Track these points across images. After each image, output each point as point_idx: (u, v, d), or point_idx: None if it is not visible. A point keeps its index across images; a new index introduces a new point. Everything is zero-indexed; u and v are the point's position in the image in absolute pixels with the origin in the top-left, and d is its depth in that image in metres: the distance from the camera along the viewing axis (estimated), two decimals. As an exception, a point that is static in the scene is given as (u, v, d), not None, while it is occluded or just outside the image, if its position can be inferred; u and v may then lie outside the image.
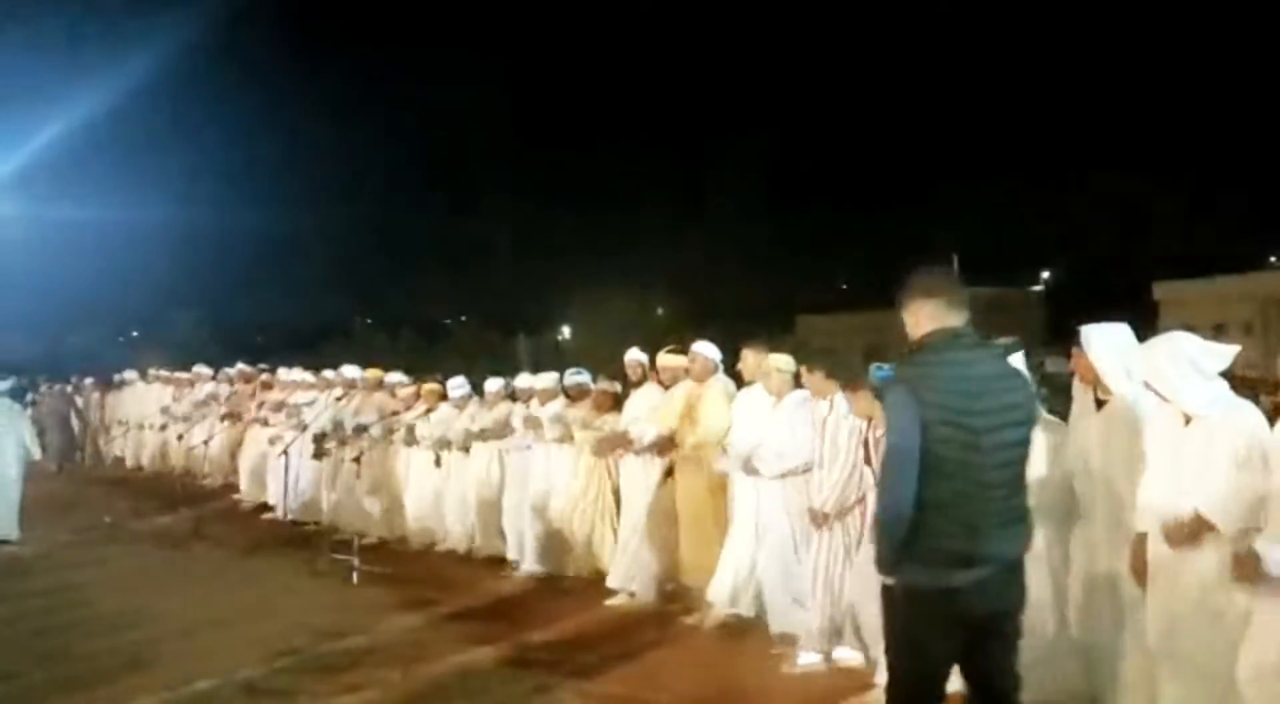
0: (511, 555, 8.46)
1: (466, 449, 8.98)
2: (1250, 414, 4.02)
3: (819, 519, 5.65)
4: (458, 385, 9.48)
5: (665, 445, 6.91)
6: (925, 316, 3.35)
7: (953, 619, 3.20)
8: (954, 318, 3.33)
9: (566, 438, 7.97)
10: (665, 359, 7.25)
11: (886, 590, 3.34)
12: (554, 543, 8.06)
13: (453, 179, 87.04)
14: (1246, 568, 3.63)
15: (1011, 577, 3.31)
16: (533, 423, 8.19)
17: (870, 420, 5.56)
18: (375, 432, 9.82)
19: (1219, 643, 3.87)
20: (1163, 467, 4.18)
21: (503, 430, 8.61)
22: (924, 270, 3.45)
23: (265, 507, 11.77)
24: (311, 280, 62.78)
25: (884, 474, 3.30)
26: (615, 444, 7.28)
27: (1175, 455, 4.11)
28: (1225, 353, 4.09)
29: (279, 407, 11.94)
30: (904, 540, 3.16)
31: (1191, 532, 3.94)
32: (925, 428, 3.13)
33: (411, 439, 9.57)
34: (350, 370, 11.28)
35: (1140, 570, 4.24)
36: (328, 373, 11.75)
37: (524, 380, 8.83)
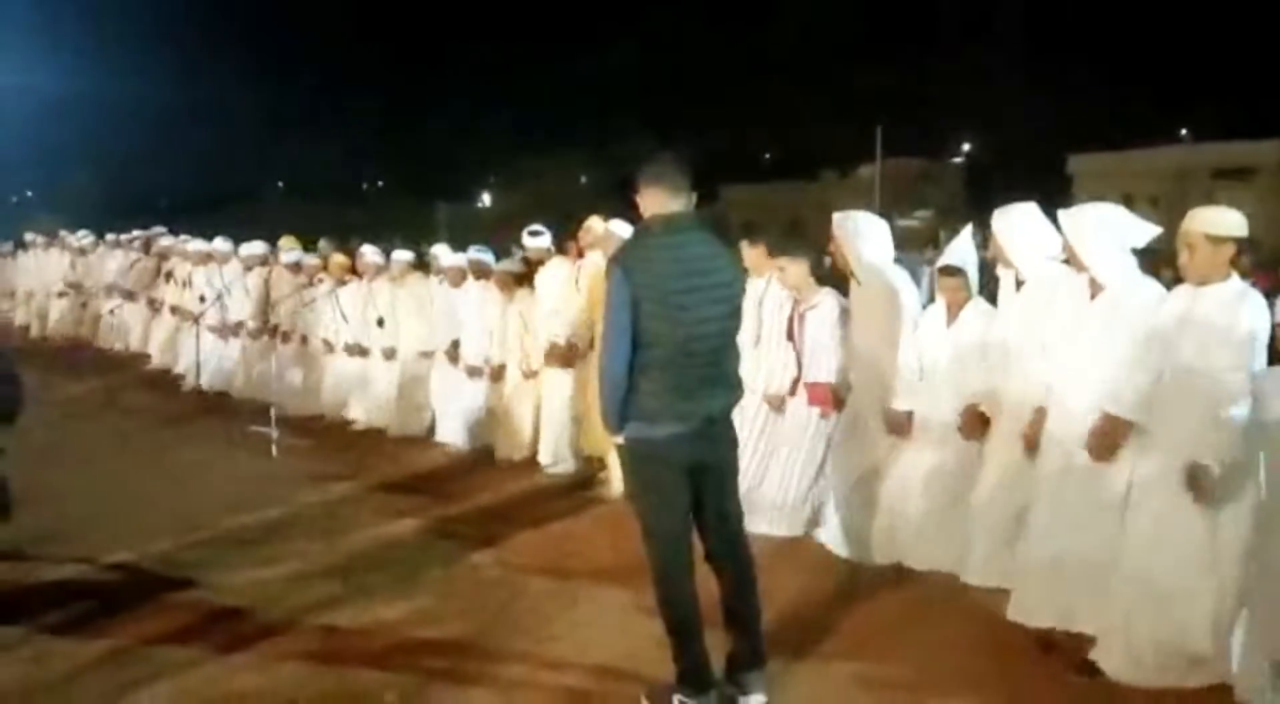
0: (437, 432, 8.46)
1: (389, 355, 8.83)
2: (1151, 291, 4.14)
3: (776, 404, 5.74)
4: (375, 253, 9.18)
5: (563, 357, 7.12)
6: (651, 201, 3.71)
7: (668, 463, 3.67)
8: (675, 203, 3.68)
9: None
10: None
11: (619, 449, 3.82)
12: (479, 419, 8.09)
13: (364, 41, 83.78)
14: (1202, 487, 3.73)
15: (714, 429, 3.76)
16: (475, 371, 8.04)
17: (798, 293, 5.64)
18: (284, 316, 9.54)
19: (1105, 519, 4.09)
20: (1066, 341, 4.31)
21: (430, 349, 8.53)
22: (655, 158, 3.76)
23: (180, 376, 11.54)
24: (218, 146, 60.55)
25: (603, 345, 3.67)
26: (565, 359, 7.21)
27: (1078, 329, 4.25)
28: (1148, 230, 4.23)
29: (184, 284, 11.62)
30: (623, 401, 3.61)
31: (1111, 437, 4.06)
32: (636, 304, 3.53)
33: (330, 347, 9.35)
34: (256, 245, 10.78)
35: (1032, 441, 4.44)
36: (219, 245, 11.17)
37: (442, 256, 8.63)
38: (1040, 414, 4.41)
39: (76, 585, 5.20)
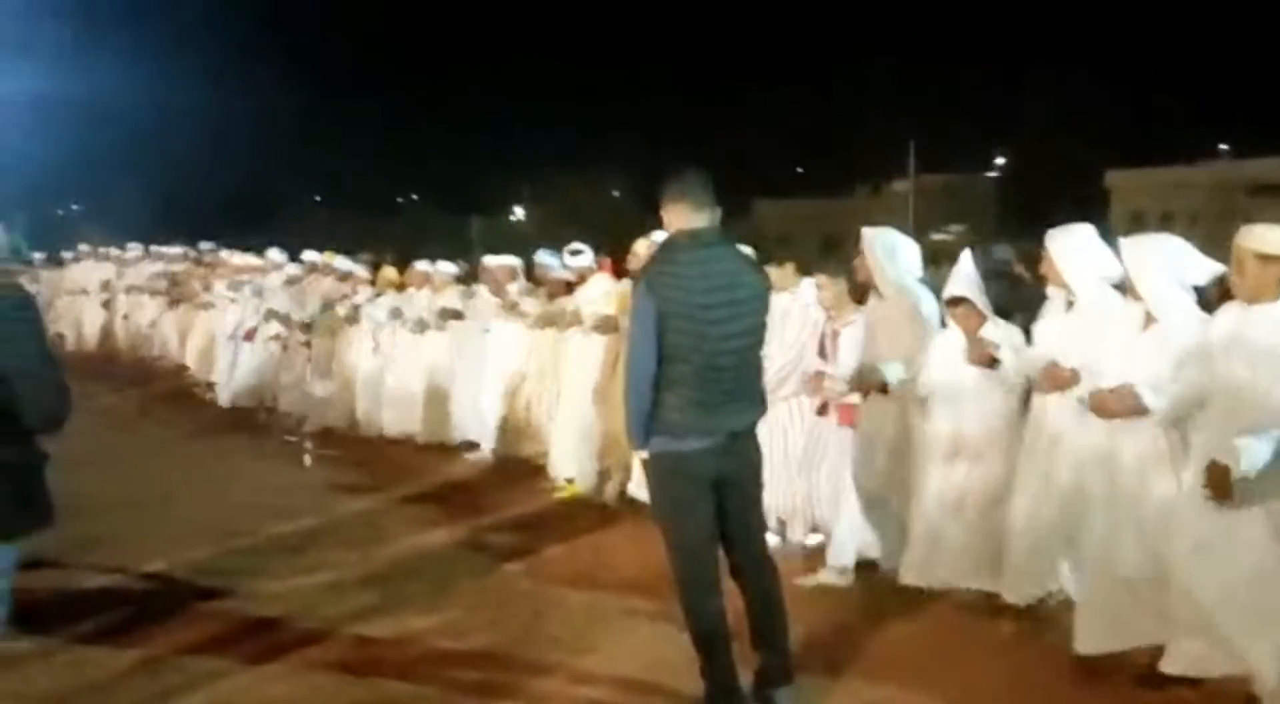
0: (466, 438, 8.50)
1: (421, 330, 8.90)
2: (1199, 322, 4.01)
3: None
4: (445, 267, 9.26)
5: (606, 325, 6.92)
6: (676, 216, 3.72)
7: (694, 477, 3.68)
8: (699, 219, 3.69)
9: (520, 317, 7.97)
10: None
11: (644, 464, 3.84)
12: (507, 426, 8.10)
13: (397, 55, 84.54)
14: (1219, 482, 3.53)
15: (738, 444, 3.76)
16: (508, 305, 8.11)
17: (834, 310, 5.61)
18: (320, 318, 9.63)
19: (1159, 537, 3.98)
20: (1117, 368, 4.23)
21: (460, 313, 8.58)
22: (678, 174, 3.76)
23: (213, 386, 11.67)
24: (252, 158, 61.11)
25: (627, 360, 3.71)
26: (554, 320, 7.23)
27: (1126, 358, 4.16)
28: (1210, 268, 4.12)
29: (228, 283, 11.77)
30: (648, 416, 3.62)
31: (1118, 403, 3.97)
32: (661, 319, 3.54)
33: (355, 317, 9.45)
34: (306, 254, 11.00)
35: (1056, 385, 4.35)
36: (273, 254, 11.49)
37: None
38: (1071, 374, 4.31)
39: (112, 594, 5.24)
